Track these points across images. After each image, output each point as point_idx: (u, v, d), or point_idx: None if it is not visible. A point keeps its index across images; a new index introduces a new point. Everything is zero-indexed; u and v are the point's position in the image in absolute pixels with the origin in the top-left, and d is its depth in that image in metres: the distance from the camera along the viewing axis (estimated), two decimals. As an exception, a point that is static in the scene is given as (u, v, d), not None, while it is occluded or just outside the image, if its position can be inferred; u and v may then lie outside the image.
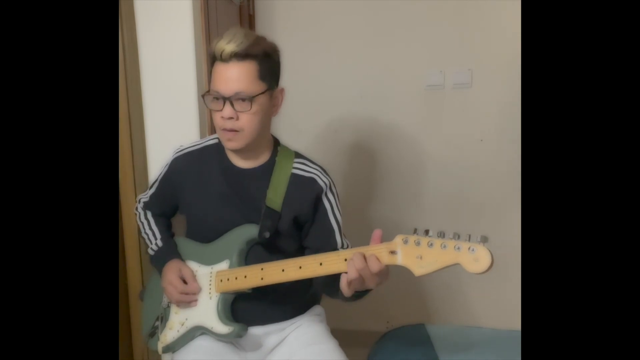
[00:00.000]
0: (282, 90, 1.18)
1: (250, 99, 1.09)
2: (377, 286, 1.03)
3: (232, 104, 1.09)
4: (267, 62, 1.11)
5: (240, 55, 1.07)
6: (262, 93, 1.11)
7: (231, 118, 1.10)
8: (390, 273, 1.04)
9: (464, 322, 2.14)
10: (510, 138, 2.04)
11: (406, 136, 2.16)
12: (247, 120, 1.11)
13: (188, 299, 1.20)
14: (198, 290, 1.20)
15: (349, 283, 1.02)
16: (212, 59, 1.11)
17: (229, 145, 1.15)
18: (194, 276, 1.21)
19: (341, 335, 1.26)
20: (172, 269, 1.22)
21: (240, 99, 1.09)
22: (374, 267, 0.98)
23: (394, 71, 2.13)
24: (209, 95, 1.12)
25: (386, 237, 1.03)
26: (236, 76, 1.08)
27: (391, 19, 2.10)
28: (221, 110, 1.10)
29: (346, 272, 1.01)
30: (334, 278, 1.07)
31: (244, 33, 1.09)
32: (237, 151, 1.18)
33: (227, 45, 1.07)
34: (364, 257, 0.99)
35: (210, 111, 1.16)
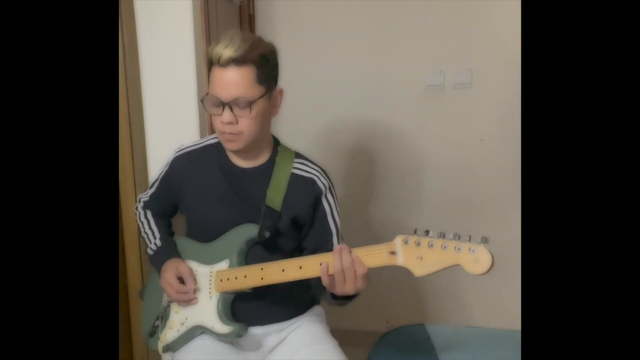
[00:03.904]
0: (281, 90, 1.18)
1: (249, 104, 1.08)
2: (355, 291, 1.05)
3: (231, 109, 1.09)
4: (265, 65, 1.10)
5: (238, 61, 1.06)
6: (261, 97, 1.10)
7: (231, 123, 1.10)
8: (390, 273, 1.04)
9: (464, 322, 2.14)
10: (510, 138, 2.04)
11: (406, 136, 2.16)
12: (246, 124, 1.11)
13: (185, 298, 1.20)
14: (193, 288, 1.20)
15: (330, 277, 1.04)
16: (209, 62, 1.10)
17: (229, 146, 1.16)
18: (192, 274, 1.21)
19: (341, 335, 1.26)
20: (169, 268, 1.22)
21: (239, 105, 1.08)
22: (360, 269, 1.01)
23: (394, 71, 2.13)
24: (207, 100, 1.12)
25: (385, 238, 1.03)
26: (235, 81, 1.07)
27: (391, 19, 2.10)
28: (220, 115, 1.10)
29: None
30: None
31: (241, 37, 1.08)
32: (237, 151, 1.18)
33: (225, 50, 1.06)
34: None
35: (210, 116, 1.16)
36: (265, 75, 1.10)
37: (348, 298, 1.12)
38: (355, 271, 1.02)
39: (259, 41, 1.11)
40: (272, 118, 1.20)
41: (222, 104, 1.09)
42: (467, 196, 2.16)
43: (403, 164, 2.19)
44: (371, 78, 2.16)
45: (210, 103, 1.11)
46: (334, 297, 1.12)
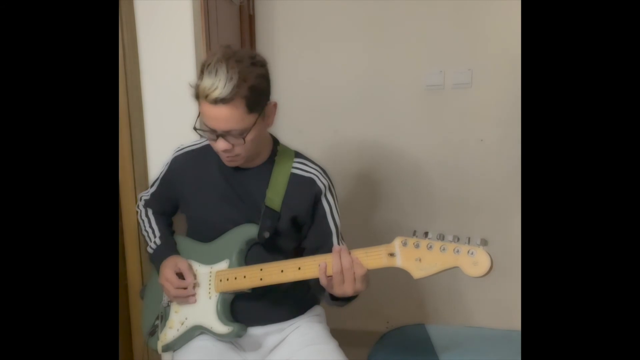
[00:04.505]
0: (275, 104, 1.14)
1: (243, 134, 1.07)
2: (354, 293, 1.05)
3: (225, 137, 1.08)
4: (254, 94, 1.05)
5: (226, 100, 1.02)
6: (254, 124, 1.08)
7: (226, 150, 1.10)
8: (390, 273, 1.04)
9: (463, 322, 2.14)
10: (510, 138, 2.04)
11: (406, 136, 2.16)
12: (242, 148, 1.10)
13: (185, 294, 1.20)
14: (192, 282, 1.19)
15: (328, 277, 1.05)
16: (196, 96, 1.07)
17: (229, 164, 1.17)
18: (190, 269, 1.21)
19: (341, 335, 1.26)
20: (168, 266, 1.22)
21: (233, 135, 1.07)
22: (359, 270, 1.01)
23: (394, 71, 2.13)
24: (200, 126, 1.10)
25: (385, 238, 1.03)
26: (225, 117, 1.04)
27: (391, 19, 2.10)
28: (215, 142, 1.10)
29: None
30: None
31: (226, 72, 1.01)
32: None
33: (211, 91, 1.02)
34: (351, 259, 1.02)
35: None
36: (256, 102, 1.07)
37: (347, 299, 1.12)
38: (354, 272, 1.02)
39: (247, 71, 1.04)
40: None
41: (216, 135, 1.08)
42: (467, 196, 2.16)
43: (403, 164, 2.19)
44: (371, 78, 2.16)
45: (203, 130, 1.10)
46: (333, 297, 1.12)
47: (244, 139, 1.08)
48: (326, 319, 1.33)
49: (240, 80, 1.02)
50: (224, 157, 1.14)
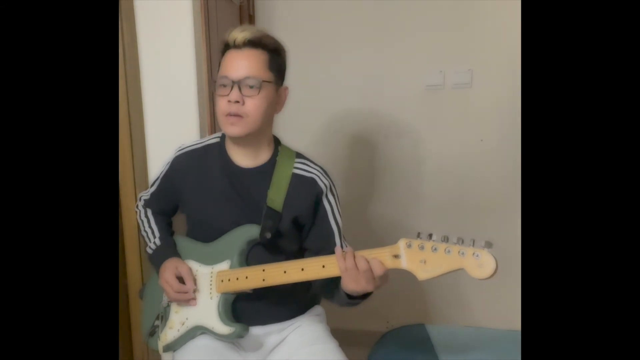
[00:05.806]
0: (287, 89, 1.20)
1: (259, 84, 1.11)
2: (375, 289, 1.05)
3: (239, 88, 1.11)
4: (276, 56, 1.16)
5: (253, 43, 1.12)
6: (270, 82, 1.14)
7: (237, 102, 1.11)
8: (390, 273, 1.04)
9: (464, 322, 2.14)
10: (510, 138, 2.04)
11: (406, 136, 2.16)
12: (252, 106, 1.12)
13: (185, 298, 1.20)
14: (193, 288, 1.20)
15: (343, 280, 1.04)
16: (224, 48, 1.15)
17: (230, 130, 1.15)
18: (191, 273, 1.21)
19: (341, 335, 1.26)
20: (168, 268, 1.22)
21: (249, 85, 1.11)
22: (377, 270, 1.00)
23: (393, 71, 2.14)
24: (216, 81, 1.15)
25: (386, 238, 1.03)
26: (247, 62, 1.12)
27: (391, 19, 2.10)
28: (227, 95, 1.12)
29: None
30: (331, 280, 1.07)
31: (257, 27, 1.16)
32: (237, 143, 1.18)
33: (242, 33, 1.12)
34: (355, 258, 1.02)
35: (214, 100, 1.18)
36: (275, 65, 1.15)
37: (361, 297, 1.10)
38: (372, 271, 1.01)
39: (273, 37, 1.17)
40: (274, 117, 1.21)
41: (232, 83, 1.11)
42: (467, 196, 2.17)
43: (403, 164, 2.20)
44: (371, 78, 2.16)
45: (218, 84, 1.14)
46: (350, 296, 1.10)
47: (259, 89, 1.11)
48: (326, 318, 1.33)
49: (269, 36, 1.16)
50: (230, 120, 1.14)
